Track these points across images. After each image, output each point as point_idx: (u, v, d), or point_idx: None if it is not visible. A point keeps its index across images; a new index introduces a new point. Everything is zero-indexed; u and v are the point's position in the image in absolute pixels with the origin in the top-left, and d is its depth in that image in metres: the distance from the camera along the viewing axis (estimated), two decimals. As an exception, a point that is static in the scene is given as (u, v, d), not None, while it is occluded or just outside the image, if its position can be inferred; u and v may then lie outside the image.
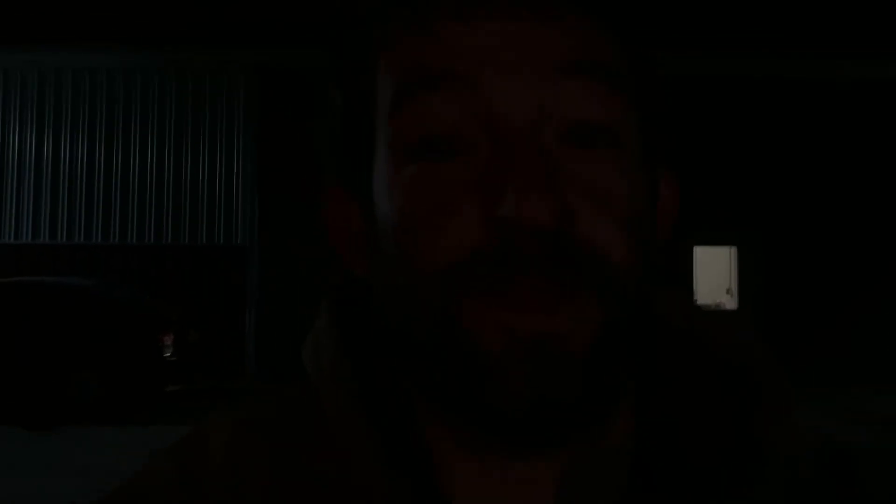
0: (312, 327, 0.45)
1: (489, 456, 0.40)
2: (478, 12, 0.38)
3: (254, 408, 0.47)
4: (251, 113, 10.85)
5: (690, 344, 0.44)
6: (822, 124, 10.60)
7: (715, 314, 0.46)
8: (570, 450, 0.39)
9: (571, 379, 0.35)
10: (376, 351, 0.44)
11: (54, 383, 7.52)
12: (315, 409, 0.43)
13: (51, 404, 7.46)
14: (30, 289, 8.09)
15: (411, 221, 0.38)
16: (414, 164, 0.38)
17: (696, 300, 0.48)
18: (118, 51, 10.68)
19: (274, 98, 10.64)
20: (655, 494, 0.40)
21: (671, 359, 0.44)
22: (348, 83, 0.43)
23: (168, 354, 7.82)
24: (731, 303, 10.77)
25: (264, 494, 0.42)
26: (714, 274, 10.66)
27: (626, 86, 0.39)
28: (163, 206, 10.93)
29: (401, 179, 0.38)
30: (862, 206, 10.61)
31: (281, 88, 10.61)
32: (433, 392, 0.39)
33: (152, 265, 10.68)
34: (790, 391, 0.42)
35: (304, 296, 9.93)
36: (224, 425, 0.45)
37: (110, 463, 4.79)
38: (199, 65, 10.93)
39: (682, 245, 10.02)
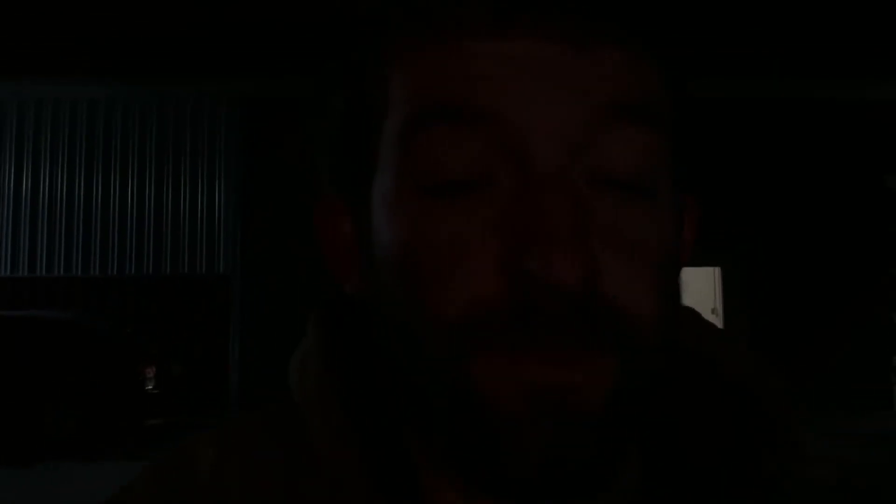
0: (299, 345, 0.44)
1: (480, 502, 0.37)
2: (508, 29, 0.34)
3: (238, 426, 0.45)
4: (233, 142, 10.84)
5: (703, 372, 0.42)
6: (807, 145, 10.71)
7: (725, 336, 0.43)
8: None
9: (588, 438, 0.33)
10: (366, 373, 0.42)
11: (32, 418, 7.40)
12: (300, 428, 0.41)
13: (28, 440, 7.32)
14: (7, 322, 7.98)
15: (418, 261, 0.34)
16: (424, 195, 0.34)
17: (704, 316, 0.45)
18: (99, 82, 10.66)
19: (256, 127, 10.65)
20: None
21: (682, 388, 0.42)
22: (351, 88, 0.39)
23: (150, 387, 7.74)
24: (716, 322, 10.79)
25: None
26: (699, 294, 10.69)
27: (666, 126, 0.36)
28: (143, 236, 10.86)
29: (408, 211, 0.35)
30: (846, 227, 10.69)
31: (263, 118, 10.62)
32: (433, 441, 0.37)
33: (133, 297, 10.58)
34: (805, 422, 0.40)
35: (287, 326, 9.86)
36: (208, 444, 0.43)
37: (88, 500, 4.69)
38: (180, 95, 10.93)
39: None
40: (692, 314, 0.43)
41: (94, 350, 7.89)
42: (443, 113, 0.34)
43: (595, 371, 0.33)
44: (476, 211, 0.34)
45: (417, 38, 0.36)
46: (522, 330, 0.32)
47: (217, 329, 10.49)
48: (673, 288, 0.36)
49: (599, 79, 0.34)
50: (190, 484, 0.42)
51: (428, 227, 0.34)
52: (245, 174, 10.68)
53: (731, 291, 10.82)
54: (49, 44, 10.08)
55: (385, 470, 0.39)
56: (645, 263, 0.34)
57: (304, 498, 0.40)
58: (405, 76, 0.36)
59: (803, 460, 0.39)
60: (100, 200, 10.92)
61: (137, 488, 0.43)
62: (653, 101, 0.35)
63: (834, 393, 9.79)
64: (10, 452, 7.14)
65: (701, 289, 10.78)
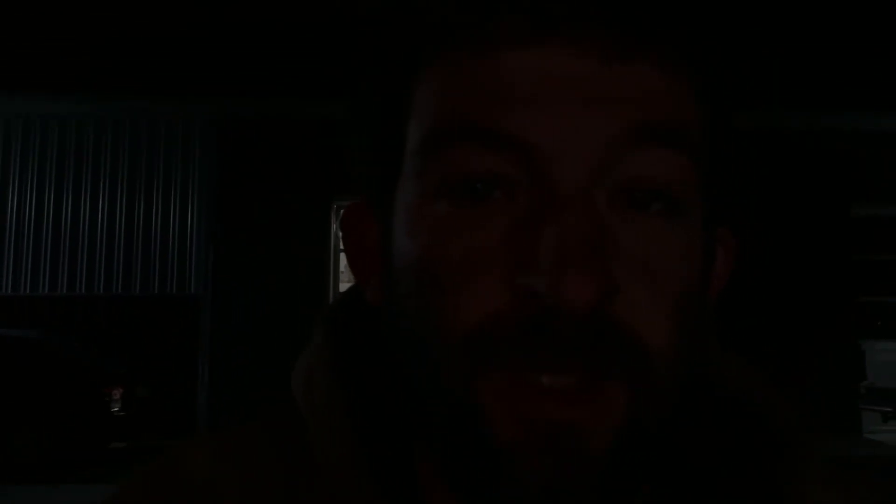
0: (302, 353, 0.43)
1: None
2: (545, 43, 0.33)
3: (234, 433, 0.44)
4: (206, 163, 10.77)
5: (715, 398, 0.41)
6: (774, 175, 10.88)
7: (740, 362, 0.42)
8: None
9: (590, 478, 0.32)
10: (374, 383, 0.41)
11: (-7, 441, 7.23)
12: (300, 437, 0.40)
13: (-12, 463, 7.15)
14: (-30, 342, 7.81)
15: (434, 272, 0.34)
16: (443, 205, 0.34)
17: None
18: (71, 99, 10.56)
19: (230, 148, 10.59)
20: None
21: (697, 417, 0.41)
22: (381, 94, 0.39)
23: (116, 409, 7.61)
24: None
25: None
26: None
27: (697, 150, 0.35)
28: (113, 255, 10.71)
29: (427, 219, 0.35)
30: (813, 255, 10.84)
31: (237, 139, 10.57)
32: (438, 459, 0.37)
33: (102, 316, 10.41)
34: (814, 446, 0.39)
35: (258, 348, 9.76)
36: (201, 450, 0.42)
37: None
38: (154, 114, 10.86)
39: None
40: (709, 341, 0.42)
41: (59, 370, 7.74)
42: (472, 132, 0.33)
43: (603, 408, 0.32)
44: (491, 224, 0.33)
45: (449, 46, 0.35)
46: (528, 349, 0.32)
47: (186, 350, 10.34)
48: (693, 320, 0.34)
49: (631, 97, 0.33)
50: (183, 490, 0.40)
51: (444, 238, 0.34)
52: (217, 194, 10.60)
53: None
54: (20, 60, 9.99)
55: (389, 482, 0.38)
56: (665, 291, 0.33)
57: None
58: (434, 84, 0.35)
59: (811, 483, 0.38)
60: (69, 218, 10.77)
61: (128, 494, 0.42)
62: (685, 123, 0.34)
63: (802, 418, 9.86)
64: (-31, 475, 6.97)
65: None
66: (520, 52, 0.33)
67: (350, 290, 0.45)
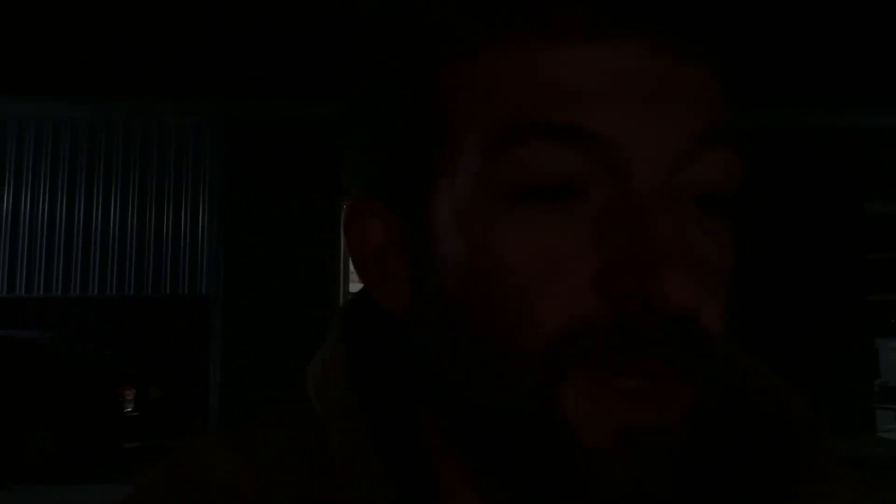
0: (317, 353, 0.42)
1: None
2: (605, 36, 0.32)
3: (253, 431, 0.43)
4: (217, 164, 10.82)
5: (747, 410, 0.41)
6: (786, 173, 10.82)
7: (751, 359, 0.42)
8: None
9: (667, 473, 0.32)
10: (390, 383, 0.41)
11: (8, 441, 7.28)
12: (317, 436, 0.40)
13: (6, 462, 7.21)
14: (-15, 343, 7.88)
15: (504, 275, 0.32)
16: (511, 205, 0.32)
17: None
18: (82, 101, 10.63)
19: (240, 149, 10.64)
20: None
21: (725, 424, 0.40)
22: (409, 85, 0.36)
23: (129, 409, 7.65)
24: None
25: None
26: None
27: (745, 147, 0.35)
28: (126, 257, 10.77)
29: (490, 221, 0.33)
30: (826, 254, 10.78)
31: (247, 139, 10.61)
32: (494, 465, 0.35)
33: (114, 318, 10.47)
34: (831, 446, 0.39)
35: (268, 348, 9.79)
36: (221, 448, 0.42)
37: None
38: (164, 116, 10.91)
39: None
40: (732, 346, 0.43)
41: (72, 372, 7.80)
42: (547, 129, 0.32)
43: (681, 407, 0.32)
44: (570, 224, 0.32)
45: (502, 37, 0.33)
46: (616, 352, 0.31)
47: (197, 351, 10.39)
48: (731, 312, 0.35)
49: (701, 97, 0.33)
50: (203, 489, 0.40)
51: (515, 240, 0.32)
52: (229, 195, 10.65)
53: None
54: (32, 62, 10.06)
55: (406, 481, 0.38)
56: (719, 284, 0.33)
57: None
58: (487, 79, 0.33)
59: (827, 482, 0.38)
60: (81, 220, 10.84)
61: (146, 492, 0.41)
62: (733, 122, 0.35)
63: (818, 416, 9.81)
64: (-15, 475, 7.03)
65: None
66: (592, 47, 0.32)
67: (363, 289, 0.44)
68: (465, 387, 0.35)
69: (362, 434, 0.38)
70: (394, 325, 0.40)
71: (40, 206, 10.90)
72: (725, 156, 0.34)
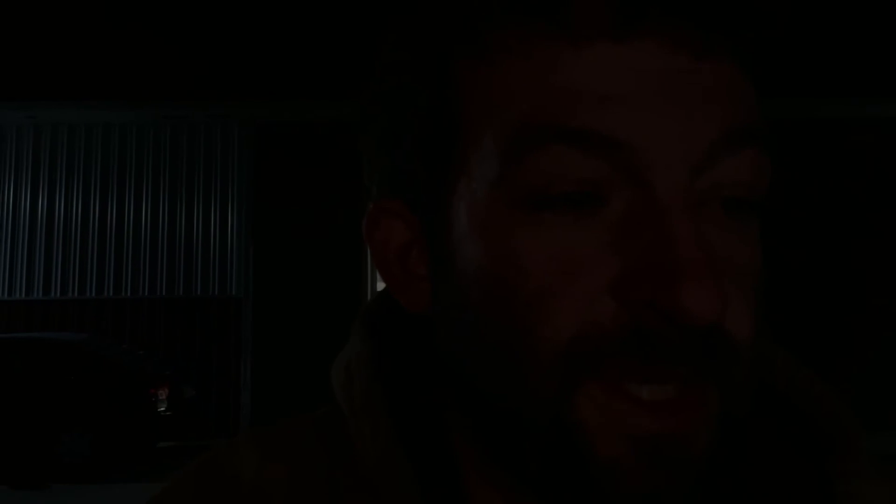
0: (340, 352, 0.42)
1: None
2: (628, 34, 0.31)
3: (282, 431, 0.43)
4: (246, 166, 10.90)
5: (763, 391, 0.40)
6: (801, 166, 10.66)
7: (783, 354, 0.41)
8: None
9: (689, 483, 0.32)
10: (414, 383, 0.40)
11: (46, 440, 7.39)
12: (345, 435, 0.40)
13: (41, 462, 7.32)
14: (21, 345, 8.00)
15: (522, 279, 0.32)
16: (529, 209, 0.32)
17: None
18: (114, 106, 10.77)
19: (269, 150, 10.71)
20: None
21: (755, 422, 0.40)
22: (428, 83, 0.35)
23: (162, 409, 7.74)
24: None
25: None
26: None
27: (771, 147, 0.34)
28: (157, 259, 10.90)
29: (508, 224, 0.32)
30: (862, 245, 10.60)
31: (276, 141, 10.69)
32: (514, 467, 0.35)
33: (147, 319, 10.60)
34: (863, 440, 0.39)
35: (299, 348, 9.85)
36: (251, 447, 0.42)
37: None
38: (194, 118, 11.02)
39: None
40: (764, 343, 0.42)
41: (107, 372, 7.89)
42: (564, 133, 0.31)
43: (702, 413, 0.31)
44: (590, 229, 0.31)
45: (521, 35, 0.32)
46: (632, 359, 0.30)
47: (229, 351, 10.49)
48: (761, 311, 0.34)
49: (724, 96, 0.32)
50: (233, 487, 0.40)
51: (533, 244, 0.32)
52: (258, 197, 10.73)
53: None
54: (64, 68, 10.21)
55: (431, 480, 0.38)
56: (748, 288, 0.32)
57: None
58: (504, 77, 0.32)
59: (861, 478, 0.38)
60: (114, 223, 10.98)
61: (179, 490, 0.42)
62: (759, 120, 0.33)
63: (852, 412, 9.65)
64: (24, 474, 7.14)
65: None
66: (610, 46, 0.31)
67: (385, 289, 0.44)
68: (485, 389, 0.34)
69: (389, 434, 0.38)
70: (416, 325, 0.40)
71: (74, 210, 11.07)
72: (752, 156, 0.32)
